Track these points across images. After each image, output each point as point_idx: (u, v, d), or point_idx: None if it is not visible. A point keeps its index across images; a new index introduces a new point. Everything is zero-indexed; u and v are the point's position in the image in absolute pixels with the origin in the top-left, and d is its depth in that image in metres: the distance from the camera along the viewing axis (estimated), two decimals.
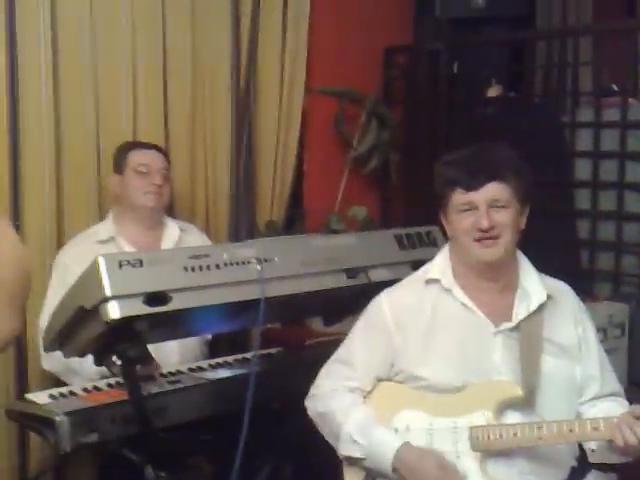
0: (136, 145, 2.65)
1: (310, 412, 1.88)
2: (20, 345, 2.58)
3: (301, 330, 2.82)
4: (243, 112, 3.11)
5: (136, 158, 2.56)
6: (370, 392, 1.84)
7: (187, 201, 2.99)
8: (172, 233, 2.60)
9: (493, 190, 1.73)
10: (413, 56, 3.39)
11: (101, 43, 2.74)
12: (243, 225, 3.15)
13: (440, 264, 1.85)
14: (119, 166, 2.58)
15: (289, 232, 3.12)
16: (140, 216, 2.54)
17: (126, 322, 1.65)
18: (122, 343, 1.70)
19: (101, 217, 2.70)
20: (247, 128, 3.12)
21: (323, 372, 1.90)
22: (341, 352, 1.90)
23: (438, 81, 3.28)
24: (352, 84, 3.32)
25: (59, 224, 2.68)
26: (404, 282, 1.89)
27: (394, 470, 1.70)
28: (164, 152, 2.69)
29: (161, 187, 2.55)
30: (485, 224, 1.72)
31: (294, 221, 3.24)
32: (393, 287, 1.88)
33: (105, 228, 2.55)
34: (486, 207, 1.73)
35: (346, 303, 2.08)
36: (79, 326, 1.76)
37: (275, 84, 3.17)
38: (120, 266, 1.64)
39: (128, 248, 2.47)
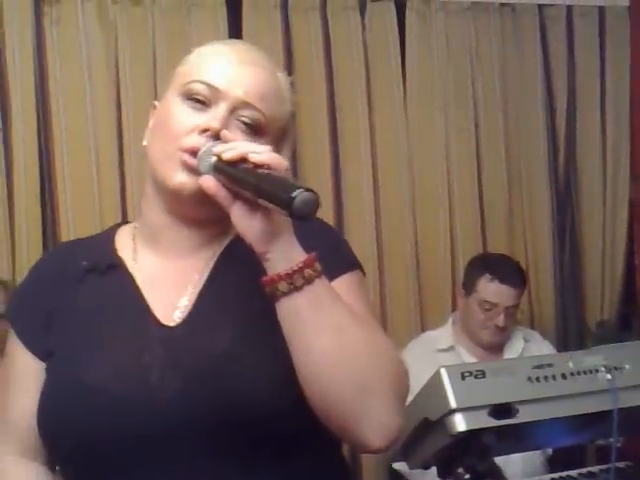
0: (490, 268, 2.43)
1: None
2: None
3: None
4: (564, 209, 3.02)
5: (486, 291, 2.41)
6: None
7: None
8: (516, 344, 2.49)
9: None
10: None
11: (417, 150, 2.90)
12: (572, 327, 3.01)
13: None
14: (467, 286, 2.48)
15: (624, 332, 2.91)
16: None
17: (471, 434, 1.62)
18: (470, 457, 1.67)
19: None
20: (570, 225, 3.02)
21: None
22: None
23: None
24: None
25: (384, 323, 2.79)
26: None
27: None
28: (521, 279, 2.49)
29: (505, 327, 2.41)
30: None
31: (629, 319, 3.01)
32: None
33: (445, 336, 2.50)
34: None
35: None
36: (423, 437, 1.76)
37: (597, 175, 3.07)
38: (463, 378, 1.63)
39: (468, 359, 2.38)
